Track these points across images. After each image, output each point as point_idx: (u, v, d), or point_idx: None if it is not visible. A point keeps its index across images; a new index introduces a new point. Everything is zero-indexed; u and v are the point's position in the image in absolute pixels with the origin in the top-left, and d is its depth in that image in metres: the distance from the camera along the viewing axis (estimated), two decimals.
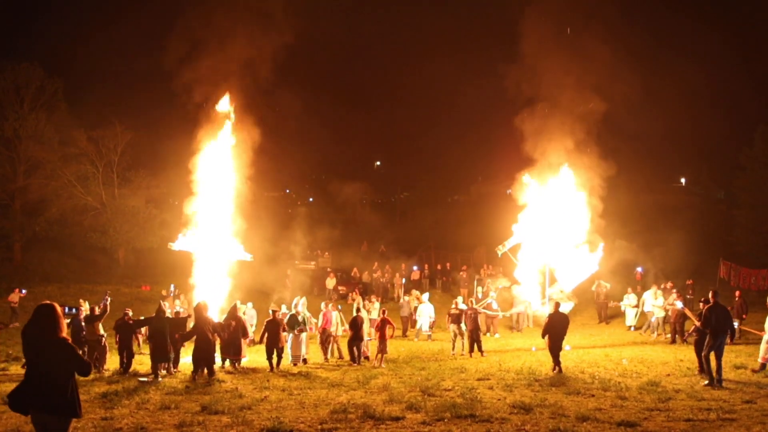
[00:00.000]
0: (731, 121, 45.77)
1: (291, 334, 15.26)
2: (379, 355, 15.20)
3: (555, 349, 13.24)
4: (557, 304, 14.08)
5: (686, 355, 14.93)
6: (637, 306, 21.10)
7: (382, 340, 15.30)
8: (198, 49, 17.82)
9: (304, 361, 15.30)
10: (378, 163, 61.26)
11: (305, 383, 11.92)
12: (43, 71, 31.59)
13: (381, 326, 15.50)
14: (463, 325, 16.84)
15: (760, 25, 52.83)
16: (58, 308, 5.85)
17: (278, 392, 10.91)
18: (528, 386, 11.21)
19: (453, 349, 16.86)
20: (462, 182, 54.45)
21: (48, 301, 5.97)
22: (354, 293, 28.63)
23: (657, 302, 19.33)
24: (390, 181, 55.46)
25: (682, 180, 55.90)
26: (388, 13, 64.93)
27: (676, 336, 17.66)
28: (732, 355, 14.47)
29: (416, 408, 9.23)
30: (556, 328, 13.43)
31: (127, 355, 14.37)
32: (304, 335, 15.53)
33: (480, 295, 21.70)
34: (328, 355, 16.24)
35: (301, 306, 16.12)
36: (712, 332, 11.27)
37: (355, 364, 15.04)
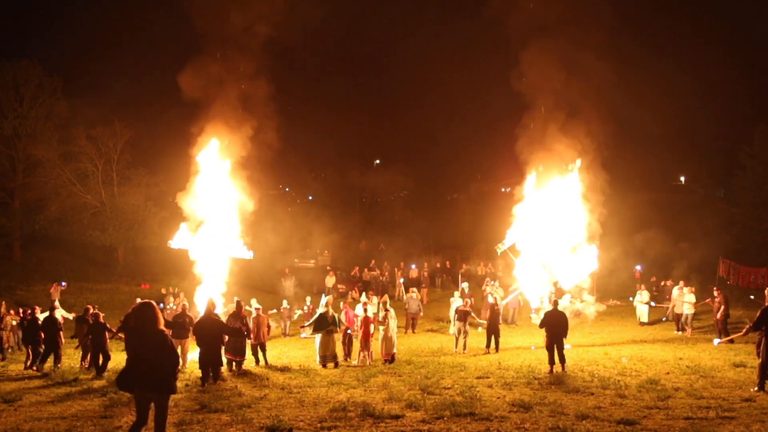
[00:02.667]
0: (730, 120, 45.76)
1: (320, 334, 14.59)
2: (363, 353, 15.15)
3: (549, 347, 13.05)
4: (556, 302, 13.98)
5: (686, 353, 14.95)
6: (648, 303, 21.45)
7: (366, 338, 15.28)
8: (199, 48, 17.81)
9: (336, 364, 14.43)
10: (377, 161, 61.21)
11: (305, 381, 11.92)
12: (43, 69, 31.64)
13: (364, 324, 15.46)
14: (468, 324, 16.79)
15: (759, 23, 52.81)
16: (156, 306, 7.06)
17: (278, 390, 10.91)
18: (527, 384, 11.22)
19: (456, 346, 16.80)
20: (461, 181, 54.43)
21: (148, 300, 7.17)
22: (354, 291, 28.70)
23: (688, 298, 19.39)
24: (390, 179, 55.37)
25: (682, 178, 55.92)
26: (392, 13, 64.88)
27: (725, 335, 17.18)
28: (731, 354, 14.50)
29: (416, 406, 9.24)
30: (551, 326, 13.23)
31: (102, 356, 13.45)
32: (335, 336, 14.77)
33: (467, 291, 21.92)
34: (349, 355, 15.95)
35: (320, 304, 15.63)
36: (767, 333, 10.37)
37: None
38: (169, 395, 6.83)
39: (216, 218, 17.47)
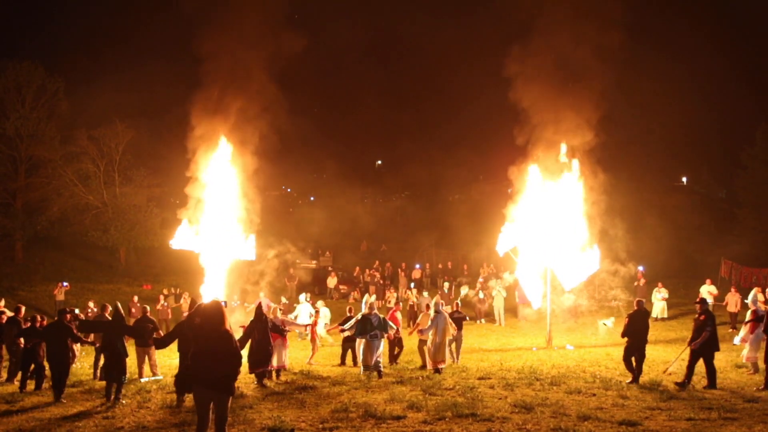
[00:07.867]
0: (732, 120, 45.72)
1: (364, 340, 12.98)
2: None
3: (629, 355, 11.62)
4: (639, 302, 12.10)
5: (687, 354, 14.89)
6: (666, 299, 22.37)
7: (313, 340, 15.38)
8: (199, 52, 17.79)
9: (379, 373, 12.49)
10: (379, 162, 61.28)
11: (306, 382, 11.91)
12: (45, 70, 31.63)
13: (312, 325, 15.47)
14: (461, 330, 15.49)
15: (762, 24, 52.75)
16: (224, 306, 7.11)
17: (279, 391, 10.91)
18: (529, 385, 11.20)
19: (450, 357, 15.27)
20: (463, 181, 54.39)
21: (216, 299, 7.16)
22: (355, 292, 28.71)
23: (759, 297, 19.28)
24: (391, 180, 55.43)
25: (684, 179, 55.84)
26: (392, 14, 64.90)
27: None
28: (733, 355, 14.47)
29: (417, 407, 9.23)
30: (637, 330, 11.66)
31: (36, 368, 11.52)
32: (381, 342, 12.99)
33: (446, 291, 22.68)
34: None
35: (364, 306, 14.66)
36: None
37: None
38: (228, 396, 6.75)
39: (217, 219, 17.45)
